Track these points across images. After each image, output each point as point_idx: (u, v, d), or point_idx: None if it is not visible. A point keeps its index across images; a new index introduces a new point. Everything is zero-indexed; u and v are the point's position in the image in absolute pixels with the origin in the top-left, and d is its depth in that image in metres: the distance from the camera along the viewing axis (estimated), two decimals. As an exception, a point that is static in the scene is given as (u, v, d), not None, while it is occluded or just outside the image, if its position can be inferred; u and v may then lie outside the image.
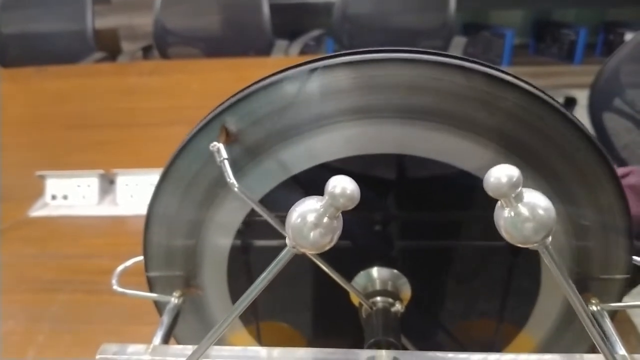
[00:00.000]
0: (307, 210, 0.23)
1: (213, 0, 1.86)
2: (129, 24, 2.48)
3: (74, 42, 1.80)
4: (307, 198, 0.24)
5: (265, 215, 0.30)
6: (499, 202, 0.23)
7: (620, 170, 0.57)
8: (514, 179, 0.22)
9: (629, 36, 2.68)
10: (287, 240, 0.25)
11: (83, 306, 0.70)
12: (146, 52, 1.89)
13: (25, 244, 0.82)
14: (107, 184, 0.91)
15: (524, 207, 0.23)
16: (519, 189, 0.22)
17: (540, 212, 0.23)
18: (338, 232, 0.24)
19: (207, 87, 1.41)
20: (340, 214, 0.24)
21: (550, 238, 0.23)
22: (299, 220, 0.23)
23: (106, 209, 0.87)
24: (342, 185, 0.22)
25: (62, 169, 0.92)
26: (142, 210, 0.95)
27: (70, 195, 0.88)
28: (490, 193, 0.22)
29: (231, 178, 0.30)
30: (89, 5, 1.78)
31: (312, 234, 0.24)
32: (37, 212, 0.88)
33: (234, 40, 1.85)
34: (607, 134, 1.06)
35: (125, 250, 0.78)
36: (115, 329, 0.66)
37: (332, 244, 0.24)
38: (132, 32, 2.50)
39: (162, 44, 1.85)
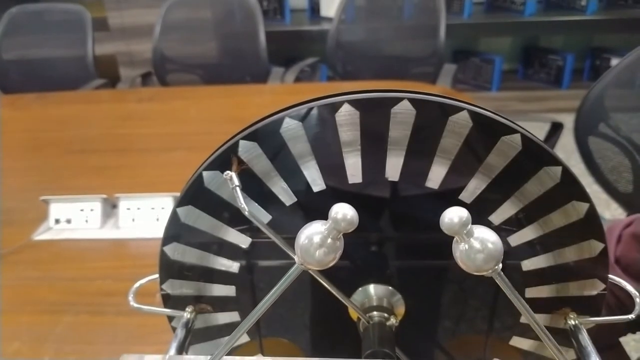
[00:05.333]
0: (313, 233, 0.27)
1: (210, 28, 1.91)
2: (127, 50, 2.53)
3: (75, 69, 1.84)
4: (313, 222, 0.27)
5: (272, 236, 0.33)
6: (455, 238, 0.28)
7: (625, 221, 0.59)
8: (464, 219, 0.27)
9: (614, 61, 2.76)
10: (295, 258, 0.28)
11: (87, 327, 0.72)
12: (145, 78, 1.92)
13: (30, 267, 0.84)
14: (110, 208, 0.93)
15: (475, 241, 0.27)
16: (469, 226, 0.27)
17: (490, 245, 0.27)
18: (340, 251, 0.28)
19: (205, 113, 1.44)
20: (342, 236, 0.27)
21: (500, 266, 0.28)
22: (306, 241, 0.27)
23: (108, 233, 0.90)
24: (343, 212, 0.26)
25: (64, 193, 0.94)
26: (144, 233, 0.97)
27: (73, 219, 0.91)
28: (446, 231, 0.27)
29: (242, 203, 0.33)
30: (90, 32, 1.81)
31: (317, 253, 0.27)
32: (41, 235, 0.90)
33: (231, 68, 1.89)
34: (593, 158, 1.09)
35: (128, 273, 0.81)
36: (119, 349, 0.68)
37: (334, 262, 0.28)
38: (130, 59, 2.54)
39: (161, 71, 1.89)
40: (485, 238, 0.27)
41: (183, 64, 1.91)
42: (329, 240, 0.27)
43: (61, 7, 1.86)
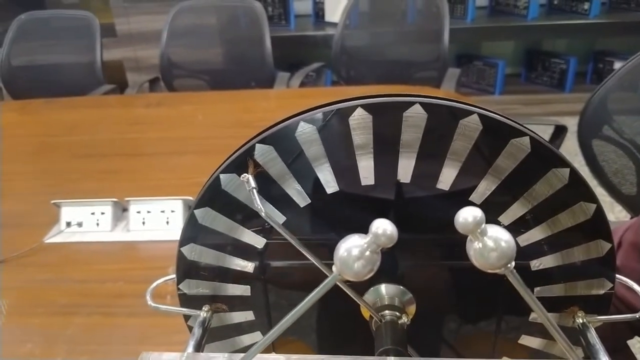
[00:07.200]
0: (352, 246, 0.29)
1: (216, 34, 1.92)
2: (134, 56, 2.55)
3: (83, 75, 1.85)
4: (352, 235, 0.29)
5: (287, 237, 0.34)
6: (469, 237, 0.29)
7: (626, 224, 0.59)
8: (478, 218, 0.28)
9: (617, 64, 2.76)
10: (333, 269, 0.29)
11: (98, 328, 0.73)
12: (152, 84, 1.94)
13: (41, 270, 0.85)
14: (120, 211, 0.94)
15: (489, 239, 0.28)
16: (483, 225, 0.28)
17: (503, 243, 0.29)
18: (377, 264, 0.29)
19: (213, 118, 1.45)
20: (380, 250, 0.28)
21: (513, 264, 0.29)
22: (345, 253, 0.28)
23: (119, 236, 0.91)
24: (384, 227, 0.28)
25: (74, 196, 0.95)
26: (154, 236, 0.99)
27: (84, 222, 0.92)
28: (460, 230, 0.28)
29: (259, 204, 0.34)
30: (98, 38, 1.83)
31: (356, 265, 0.29)
32: (52, 238, 0.91)
33: (237, 73, 1.91)
34: (597, 160, 1.09)
35: (139, 275, 0.83)
36: (130, 350, 0.69)
37: (371, 274, 0.29)
38: (137, 65, 2.56)
39: (168, 77, 1.91)
40: (498, 237, 0.28)
41: (190, 70, 1.93)
42: (368, 253, 0.29)
43: (69, 13, 1.88)
